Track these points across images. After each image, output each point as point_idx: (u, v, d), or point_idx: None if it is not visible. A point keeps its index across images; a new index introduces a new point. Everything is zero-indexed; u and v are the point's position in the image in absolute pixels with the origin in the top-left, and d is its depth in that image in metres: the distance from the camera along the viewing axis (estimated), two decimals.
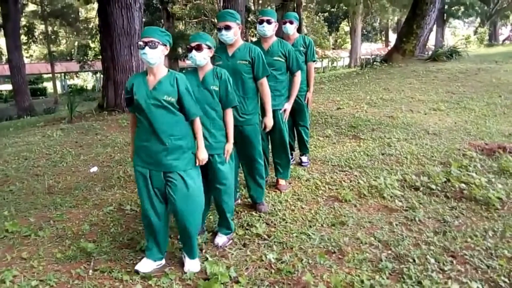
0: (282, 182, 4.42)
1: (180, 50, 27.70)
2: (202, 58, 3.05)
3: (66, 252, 3.23)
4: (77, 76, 43.24)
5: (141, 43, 2.70)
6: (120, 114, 8.89)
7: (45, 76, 39.53)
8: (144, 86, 2.77)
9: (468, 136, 6.12)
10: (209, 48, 3.06)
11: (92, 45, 34.61)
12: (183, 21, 32.47)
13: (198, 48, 3.00)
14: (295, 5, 22.48)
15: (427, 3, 12.86)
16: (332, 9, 34.64)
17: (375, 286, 2.67)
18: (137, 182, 2.91)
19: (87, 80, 42.84)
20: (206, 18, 30.56)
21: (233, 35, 3.55)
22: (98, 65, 32.75)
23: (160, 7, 29.10)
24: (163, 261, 3.07)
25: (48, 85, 38.79)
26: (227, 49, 3.62)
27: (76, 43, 37.01)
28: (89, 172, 5.16)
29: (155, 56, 2.72)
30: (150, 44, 2.69)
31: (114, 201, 4.24)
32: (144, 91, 2.75)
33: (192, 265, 2.94)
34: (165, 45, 2.79)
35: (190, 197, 2.86)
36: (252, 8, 28.70)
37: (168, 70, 2.84)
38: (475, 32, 35.26)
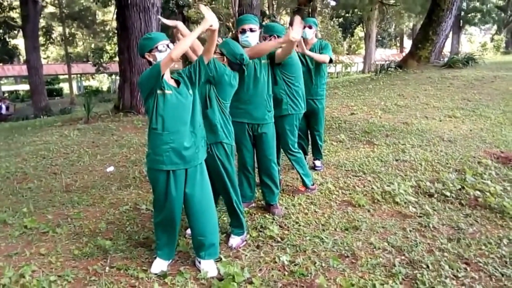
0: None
1: None
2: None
3: (83, 249, 3.30)
4: (92, 78, 43.77)
5: (165, 45, 2.78)
6: (136, 115, 9.00)
7: (61, 77, 40.10)
8: (169, 85, 2.79)
9: (484, 144, 6.08)
10: None
11: (107, 47, 35.09)
12: (198, 25, 32.72)
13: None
14: (310, 9, 22.50)
15: (444, 10, 12.80)
16: (347, 15, 34.56)
17: None
18: (157, 183, 2.88)
19: (103, 81, 43.33)
20: (221, 22, 30.76)
21: (257, 38, 3.64)
22: (114, 67, 33.21)
23: (176, 10, 29.38)
24: (173, 257, 3.13)
25: (64, 86, 39.35)
26: None
27: (92, 45, 37.53)
28: (106, 172, 5.24)
29: None
30: (170, 46, 2.80)
31: (130, 201, 4.31)
32: (173, 88, 2.79)
33: (209, 267, 2.97)
34: None
35: (207, 190, 2.95)
36: (267, 12, 28.80)
37: None
38: (492, 39, 34.87)
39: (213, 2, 28.81)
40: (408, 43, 44.88)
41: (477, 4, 33.25)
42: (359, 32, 41.94)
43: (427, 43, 13.27)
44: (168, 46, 2.80)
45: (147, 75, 2.71)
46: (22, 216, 3.93)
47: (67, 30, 31.03)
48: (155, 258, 3.07)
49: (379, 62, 35.45)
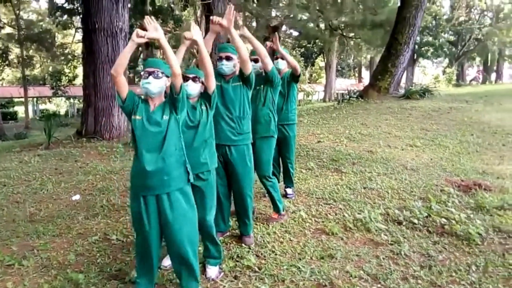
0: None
1: None
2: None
3: (52, 283, 3.15)
4: (49, 101, 42.54)
5: (145, 73, 2.75)
6: (100, 141, 8.79)
7: (15, 99, 38.74)
8: (142, 110, 2.81)
9: (444, 173, 6.32)
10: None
11: (66, 70, 34.35)
12: (162, 50, 32.70)
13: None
14: (273, 39, 23.09)
15: (401, 44, 13.46)
16: (308, 45, 35.63)
17: None
18: (131, 207, 2.87)
19: (60, 105, 42.16)
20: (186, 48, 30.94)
21: (232, 66, 3.67)
22: (73, 90, 32.46)
23: None
24: None
25: (19, 109, 38.03)
26: (225, 78, 3.71)
27: (50, 68, 36.62)
28: (71, 200, 5.06)
29: (158, 86, 2.79)
30: (154, 74, 2.75)
31: (98, 231, 4.17)
32: (145, 114, 2.80)
33: None
34: (168, 77, 2.86)
35: (187, 220, 2.87)
36: None
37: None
38: (444, 72, 36.86)
39: (178, 28, 29.03)
40: (366, 74, 46.70)
41: (430, 39, 35.25)
42: (320, 62, 43.25)
43: (386, 75, 13.86)
44: (151, 74, 2.75)
45: None
46: None
47: (25, 52, 30.14)
48: None
49: (339, 91, 36.61)
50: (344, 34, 20.05)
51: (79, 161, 7.05)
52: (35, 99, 39.00)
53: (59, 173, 6.28)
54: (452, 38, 38.56)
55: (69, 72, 34.56)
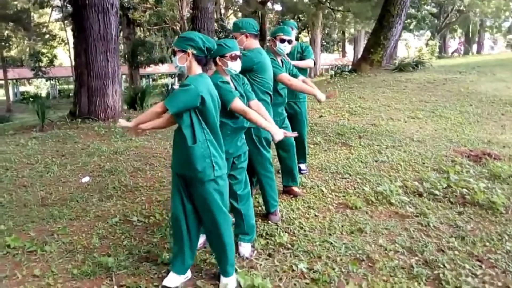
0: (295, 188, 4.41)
1: (141, 57, 27.18)
2: None
3: (81, 268, 3.02)
4: (29, 83, 41.38)
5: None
6: (95, 122, 8.51)
7: None
8: None
9: (451, 143, 6.32)
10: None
11: (43, 50, 33.32)
12: (143, 28, 31.88)
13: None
14: (259, 14, 22.73)
15: (394, 16, 13.32)
16: (292, 20, 35.20)
17: None
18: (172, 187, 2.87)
19: (40, 87, 41.04)
20: (167, 25, 30.18)
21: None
22: (53, 71, 31.58)
23: (121, 13, 28.47)
24: (189, 274, 2.93)
25: None
26: None
27: (27, 49, 35.48)
28: (81, 183, 4.88)
29: (176, 62, 2.76)
30: (173, 52, 2.78)
31: (117, 212, 4.03)
32: None
33: (228, 280, 2.81)
34: (184, 51, 2.71)
35: (219, 208, 2.77)
36: (215, 15, 28.64)
37: (201, 74, 2.74)
38: (427, 45, 36.90)
39: (159, 5, 28.22)
40: (349, 48, 46.50)
41: (413, 11, 35.11)
42: (303, 37, 42.82)
43: (379, 48, 13.73)
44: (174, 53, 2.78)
45: None
46: (0, 234, 3.55)
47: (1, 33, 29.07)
48: (166, 273, 2.88)
49: (323, 66, 36.47)
50: (332, 7, 19.77)
51: (79, 143, 6.82)
52: (14, 81, 37.88)
53: (61, 155, 6.05)
54: (434, 10, 38.52)
55: (47, 52, 33.54)
